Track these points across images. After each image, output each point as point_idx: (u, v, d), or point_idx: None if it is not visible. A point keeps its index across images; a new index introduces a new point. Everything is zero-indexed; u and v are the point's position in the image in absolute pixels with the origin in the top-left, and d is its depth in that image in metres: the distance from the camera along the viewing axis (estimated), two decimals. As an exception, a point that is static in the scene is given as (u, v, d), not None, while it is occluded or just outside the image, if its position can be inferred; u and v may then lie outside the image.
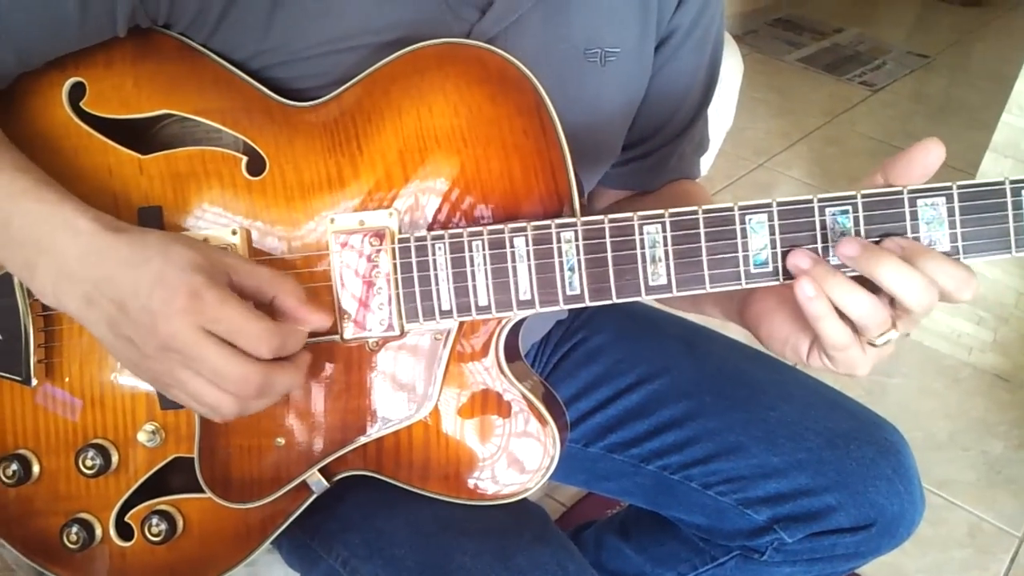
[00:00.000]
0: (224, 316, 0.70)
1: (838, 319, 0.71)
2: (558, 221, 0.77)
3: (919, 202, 0.73)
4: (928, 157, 0.71)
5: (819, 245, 0.74)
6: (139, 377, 0.79)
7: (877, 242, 0.72)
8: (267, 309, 0.75)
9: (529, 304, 0.78)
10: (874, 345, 0.73)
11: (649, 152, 1.04)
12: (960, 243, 0.73)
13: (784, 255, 0.74)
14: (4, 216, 0.74)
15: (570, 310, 1.15)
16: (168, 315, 0.70)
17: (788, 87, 3.57)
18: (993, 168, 2.02)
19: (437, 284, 0.79)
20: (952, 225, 0.73)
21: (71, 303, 0.74)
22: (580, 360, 1.14)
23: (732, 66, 1.61)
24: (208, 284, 0.70)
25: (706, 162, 1.17)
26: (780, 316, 0.81)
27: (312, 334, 0.80)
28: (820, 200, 0.73)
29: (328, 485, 0.85)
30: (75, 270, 0.73)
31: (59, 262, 0.73)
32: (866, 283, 0.71)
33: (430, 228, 0.80)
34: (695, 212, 0.75)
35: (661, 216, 0.75)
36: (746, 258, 0.75)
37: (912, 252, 0.70)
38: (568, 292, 0.78)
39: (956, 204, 0.72)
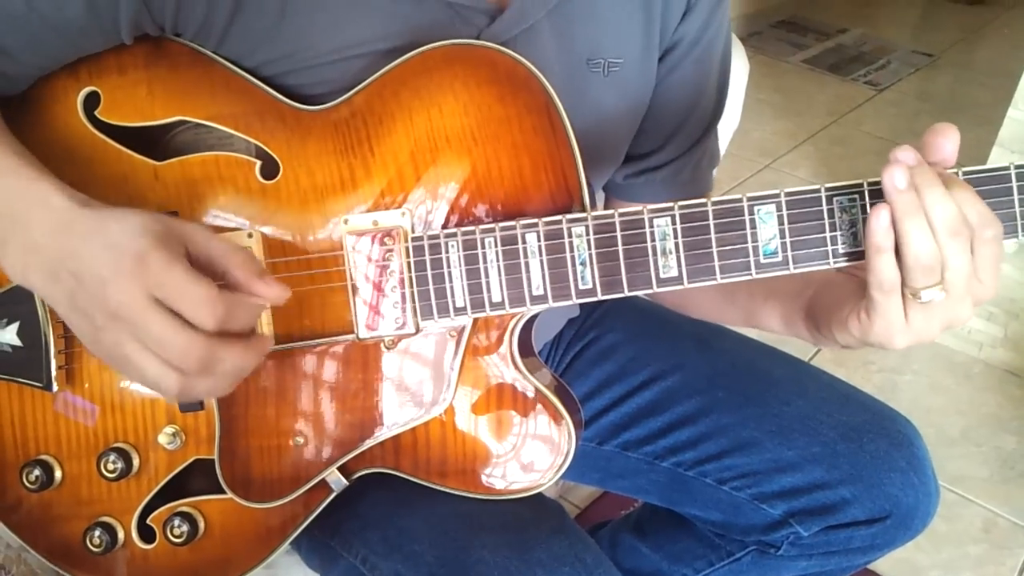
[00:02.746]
0: (167, 280, 0.68)
1: (893, 255, 0.71)
2: (569, 216, 0.78)
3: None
4: (941, 141, 0.72)
5: (827, 234, 0.75)
6: (96, 355, 0.76)
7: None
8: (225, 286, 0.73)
9: (542, 299, 0.79)
10: (918, 299, 0.71)
11: (663, 163, 1.03)
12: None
13: (794, 244, 0.75)
14: None
15: (582, 308, 1.16)
16: (116, 280, 0.69)
17: (793, 88, 3.58)
18: (1000, 163, 2.02)
19: (451, 281, 0.80)
20: None
21: (37, 279, 0.74)
22: (593, 358, 1.15)
23: (738, 68, 1.61)
24: (155, 247, 0.69)
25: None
26: (830, 297, 0.82)
27: (328, 333, 0.81)
28: (828, 189, 0.74)
29: (347, 483, 0.86)
30: (42, 244, 0.73)
31: (29, 237, 0.73)
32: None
33: (443, 226, 0.81)
34: (704, 204, 0.76)
35: (671, 209, 0.76)
36: (756, 248, 0.76)
37: (947, 179, 0.71)
38: (580, 286, 0.79)
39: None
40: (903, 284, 0.71)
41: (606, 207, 1.10)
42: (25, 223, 0.73)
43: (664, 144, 1.03)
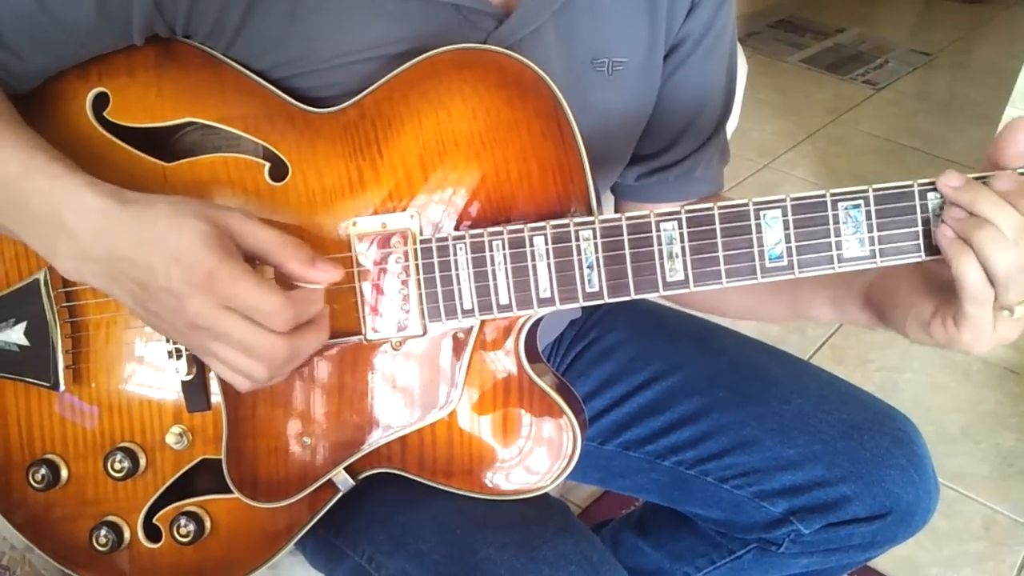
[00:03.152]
0: (237, 292, 0.71)
1: (980, 264, 0.71)
2: (576, 220, 0.78)
3: (929, 195, 0.74)
4: (1017, 138, 0.72)
5: (832, 239, 0.75)
6: (182, 345, 0.83)
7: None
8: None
9: (549, 302, 0.80)
10: (1011, 313, 0.72)
11: (674, 162, 1.04)
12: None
13: (799, 249, 0.76)
14: (23, 196, 0.75)
15: (584, 309, 1.16)
16: (189, 295, 0.71)
17: (791, 88, 3.59)
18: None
19: (459, 284, 0.81)
20: None
21: (95, 281, 0.76)
22: (594, 359, 1.15)
23: (737, 67, 1.62)
24: (220, 260, 0.71)
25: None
26: (907, 285, 0.81)
27: (336, 334, 0.82)
28: (833, 195, 0.75)
29: (354, 483, 0.86)
30: (91, 250, 0.74)
31: (76, 242, 0.74)
32: None
33: (451, 229, 0.82)
34: (710, 209, 0.76)
35: (677, 213, 0.77)
36: (761, 253, 0.76)
37: (1021, 188, 0.71)
38: (587, 289, 0.79)
39: None
40: (995, 300, 0.72)
41: (618, 211, 1.11)
42: (69, 228, 0.74)
43: (674, 142, 1.03)
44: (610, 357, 1.14)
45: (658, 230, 0.77)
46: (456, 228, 0.82)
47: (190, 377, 0.86)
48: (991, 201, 0.71)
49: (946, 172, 0.73)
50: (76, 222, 0.74)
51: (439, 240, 0.81)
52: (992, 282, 0.72)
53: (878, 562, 1.68)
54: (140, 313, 0.76)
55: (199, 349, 0.76)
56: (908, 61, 3.89)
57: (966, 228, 0.71)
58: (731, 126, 1.66)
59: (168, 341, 0.85)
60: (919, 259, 0.76)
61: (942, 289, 0.77)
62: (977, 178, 0.73)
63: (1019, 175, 0.73)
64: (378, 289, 0.82)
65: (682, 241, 0.77)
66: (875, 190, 0.74)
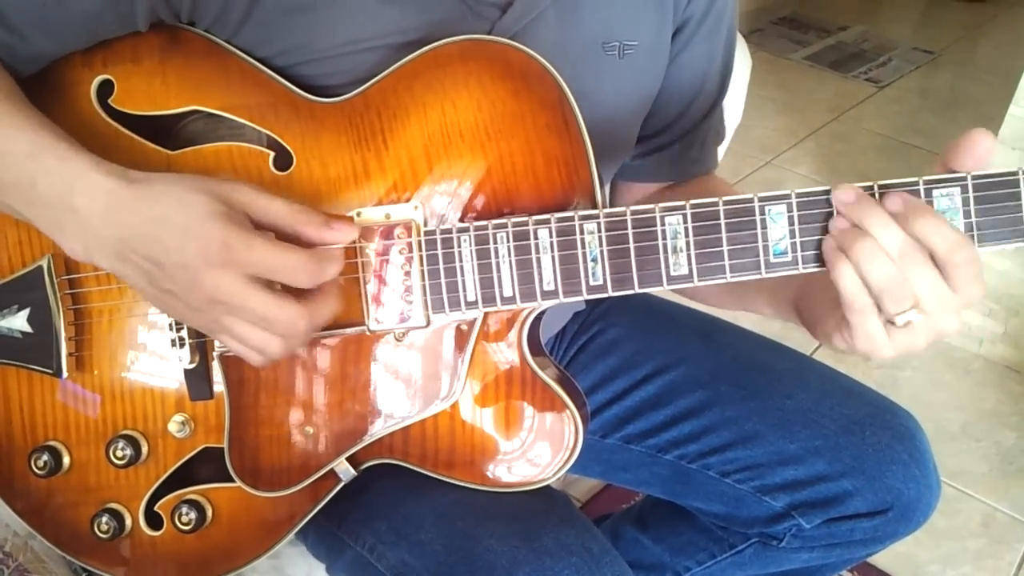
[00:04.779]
0: (257, 258, 0.71)
1: (857, 275, 0.72)
2: (581, 213, 0.78)
3: (935, 192, 0.74)
4: (975, 148, 0.72)
5: (837, 234, 0.75)
6: (189, 324, 0.82)
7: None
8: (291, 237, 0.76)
9: (553, 294, 0.80)
10: (894, 324, 0.73)
11: (671, 142, 1.05)
12: (975, 232, 0.74)
13: (803, 245, 0.76)
14: (30, 176, 0.75)
15: (587, 303, 1.17)
16: (208, 270, 0.71)
17: (794, 85, 3.58)
18: (1001, 160, 2.03)
19: (463, 275, 0.81)
20: (967, 215, 0.74)
21: (104, 261, 0.76)
22: (596, 352, 1.15)
23: (740, 63, 1.62)
24: (233, 230, 0.71)
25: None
26: (819, 297, 0.82)
27: (339, 325, 0.82)
28: (838, 190, 0.75)
29: (356, 473, 0.87)
30: (100, 229, 0.74)
31: (84, 222, 0.74)
32: None
33: (455, 220, 0.82)
34: (715, 203, 0.76)
35: (682, 207, 0.77)
36: (766, 248, 0.76)
37: (910, 209, 0.71)
38: (591, 282, 0.79)
39: (971, 194, 0.73)
40: (878, 311, 0.73)
41: (613, 192, 1.11)
42: (77, 209, 0.74)
43: (672, 123, 1.04)
44: (612, 351, 1.15)
45: (663, 224, 0.77)
46: (460, 220, 0.82)
47: (193, 365, 0.86)
48: (880, 220, 0.71)
49: (841, 186, 0.73)
50: (84, 202, 0.74)
51: (443, 232, 0.81)
52: (869, 292, 0.72)
53: (878, 559, 1.68)
54: (151, 293, 0.76)
55: (213, 325, 0.76)
56: (911, 59, 3.89)
57: (846, 239, 0.72)
58: (734, 122, 1.67)
59: (171, 329, 0.85)
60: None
61: None
62: (976, 177, 0.73)
63: (914, 196, 0.73)
64: (381, 280, 0.82)
65: (687, 235, 0.77)
66: (880, 186, 0.74)
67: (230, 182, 0.75)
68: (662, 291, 0.82)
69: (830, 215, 0.75)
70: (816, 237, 0.75)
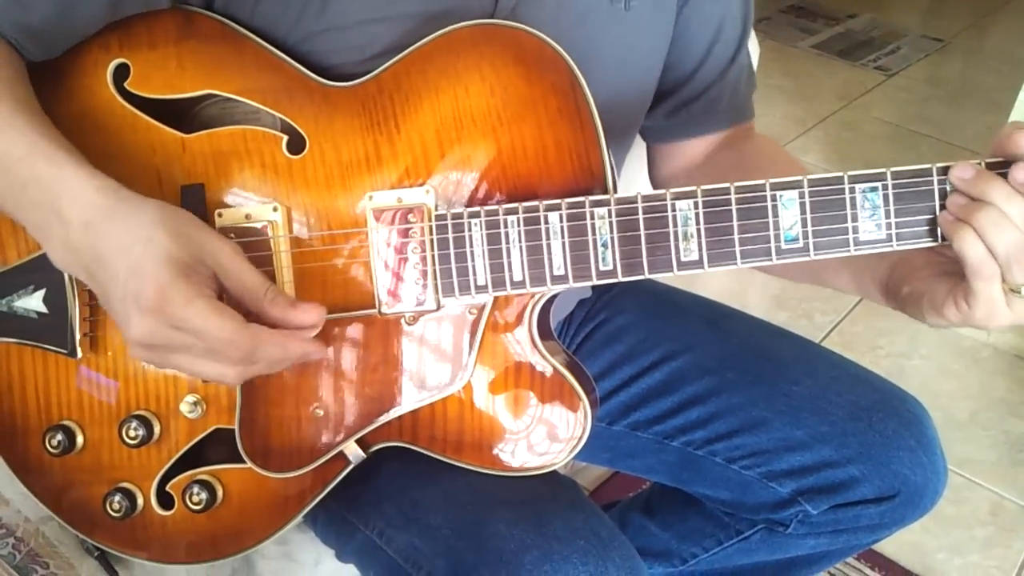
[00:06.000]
0: (188, 318, 0.71)
1: (982, 243, 0.72)
2: (592, 198, 0.79)
3: (948, 181, 0.74)
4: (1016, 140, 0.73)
5: (849, 224, 0.76)
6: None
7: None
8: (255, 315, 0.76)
9: (563, 279, 0.80)
10: (1018, 293, 0.73)
11: (699, 93, 1.03)
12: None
13: (815, 232, 0.76)
14: (21, 179, 0.76)
15: (593, 289, 1.17)
16: (137, 312, 0.72)
17: (802, 73, 3.57)
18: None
19: (473, 260, 0.81)
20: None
21: (77, 273, 0.77)
22: (603, 340, 1.16)
23: (749, 50, 1.61)
24: (175, 279, 0.71)
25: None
26: (923, 271, 0.82)
27: (351, 308, 0.83)
28: (851, 177, 0.75)
29: (365, 456, 0.87)
30: (77, 242, 0.75)
31: (67, 232, 0.75)
32: None
33: (466, 205, 0.82)
34: (727, 189, 0.77)
35: (693, 193, 0.77)
36: (777, 235, 0.77)
37: None
38: (601, 268, 0.80)
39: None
40: (1002, 279, 0.73)
41: (651, 163, 1.11)
42: (62, 217, 0.75)
43: (694, 72, 1.02)
44: (620, 338, 1.15)
45: (673, 210, 0.78)
46: (471, 204, 0.82)
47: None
48: (1003, 191, 0.72)
49: (959, 163, 0.74)
50: (70, 212, 0.74)
51: (454, 216, 0.81)
52: (995, 260, 0.72)
53: (885, 547, 1.68)
54: (111, 311, 0.76)
55: (163, 363, 0.77)
56: (920, 47, 3.87)
57: (966, 212, 0.72)
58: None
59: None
60: (932, 244, 0.76)
61: (955, 273, 0.78)
62: (989, 164, 0.73)
63: None
64: (392, 264, 0.83)
65: (698, 222, 0.77)
66: (893, 173, 0.74)
67: (218, 240, 0.75)
68: (670, 278, 0.82)
69: (842, 202, 0.75)
70: (828, 225, 0.76)
